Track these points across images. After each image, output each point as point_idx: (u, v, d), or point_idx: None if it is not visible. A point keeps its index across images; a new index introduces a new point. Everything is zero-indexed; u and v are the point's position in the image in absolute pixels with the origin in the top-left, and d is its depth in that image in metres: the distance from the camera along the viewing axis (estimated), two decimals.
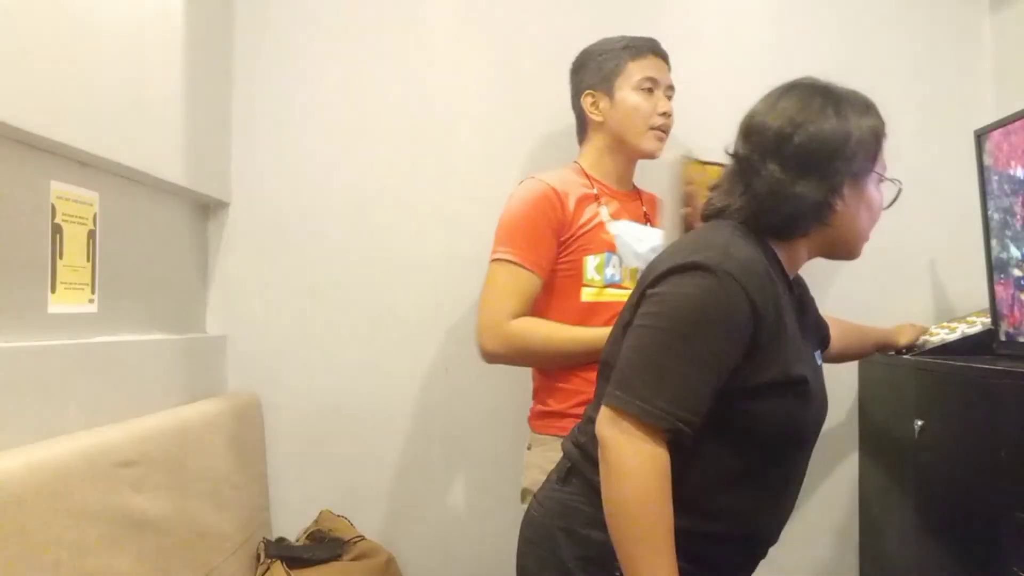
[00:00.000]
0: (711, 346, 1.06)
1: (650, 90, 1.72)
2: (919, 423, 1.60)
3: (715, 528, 1.14)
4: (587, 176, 1.75)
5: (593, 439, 1.11)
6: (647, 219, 1.78)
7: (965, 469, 1.49)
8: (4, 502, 1.02)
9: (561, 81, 1.83)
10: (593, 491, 1.12)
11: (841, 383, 2.03)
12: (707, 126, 2.04)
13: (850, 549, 2.04)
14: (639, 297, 1.14)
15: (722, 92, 2.08)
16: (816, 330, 1.38)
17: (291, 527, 2.01)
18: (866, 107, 1.23)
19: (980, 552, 1.42)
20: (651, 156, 1.75)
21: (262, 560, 1.79)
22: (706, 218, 1.25)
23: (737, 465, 1.14)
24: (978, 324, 1.74)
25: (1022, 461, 1.28)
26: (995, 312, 1.59)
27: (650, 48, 1.74)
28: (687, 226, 1.70)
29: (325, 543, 1.90)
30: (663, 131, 1.74)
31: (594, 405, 1.21)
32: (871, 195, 1.21)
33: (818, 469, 2.05)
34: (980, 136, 1.61)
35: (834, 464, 2.05)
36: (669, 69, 1.77)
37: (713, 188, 1.25)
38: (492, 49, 2.08)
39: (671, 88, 1.76)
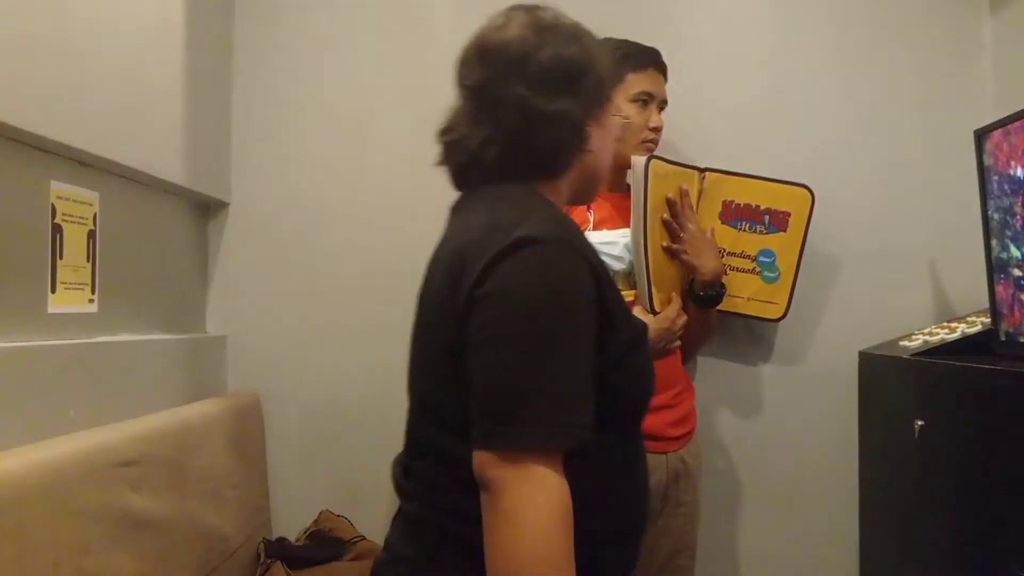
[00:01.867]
0: (577, 329, 0.89)
1: (644, 103, 1.72)
2: (919, 423, 1.60)
3: (614, 525, 0.99)
4: None
5: (467, 495, 0.89)
6: None
7: (965, 469, 1.49)
8: (4, 502, 1.01)
9: None
10: (480, 562, 0.87)
11: (841, 383, 2.03)
12: (706, 128, 2.05)
13: (850, 549, 2.04)
14: (465, 306, 0.90)
15: (722, 94, 2.09)
16: None
17: (291, 527, 2.01)
18: (598, 38, 1.11)
19: (980, 552, 1.42)
20: None
21: (262, 560, 1.79)
22: (457, 177, 1.11)
23: (618, 447, 0.98)
24: (978, 324, 1.74)
25: (1022, 461, 1.28)
26: (995, 312, 1.59)
27: (651, 60, 1.74)
28: (672, 233, 1.72)
29: (325, 543, 1.90)
30: (652, 144, 1.75)
31: (417, 452, 1.02)
32: (611, 127, 1.10)
33: (818, 469, 2.05)
34: (980, 136, 1.61)
35: (834, 464, 2.05)
36: (666, 81, 1.78)
37: (444, 132, 1.09)
38: None
39: (665, 101, 1.77)
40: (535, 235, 0.90)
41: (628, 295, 1.72)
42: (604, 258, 1.67)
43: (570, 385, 0.88)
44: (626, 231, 1.71)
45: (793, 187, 1.85)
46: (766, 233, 1.85)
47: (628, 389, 0.98)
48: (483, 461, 0.87)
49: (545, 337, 0.88)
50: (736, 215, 1.84)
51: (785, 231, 1.85)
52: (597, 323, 0.91)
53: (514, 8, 1.06)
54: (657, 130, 1.73)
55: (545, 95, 0.99)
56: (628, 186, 1.80)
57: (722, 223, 1.84)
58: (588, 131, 1.03)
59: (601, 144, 1.07)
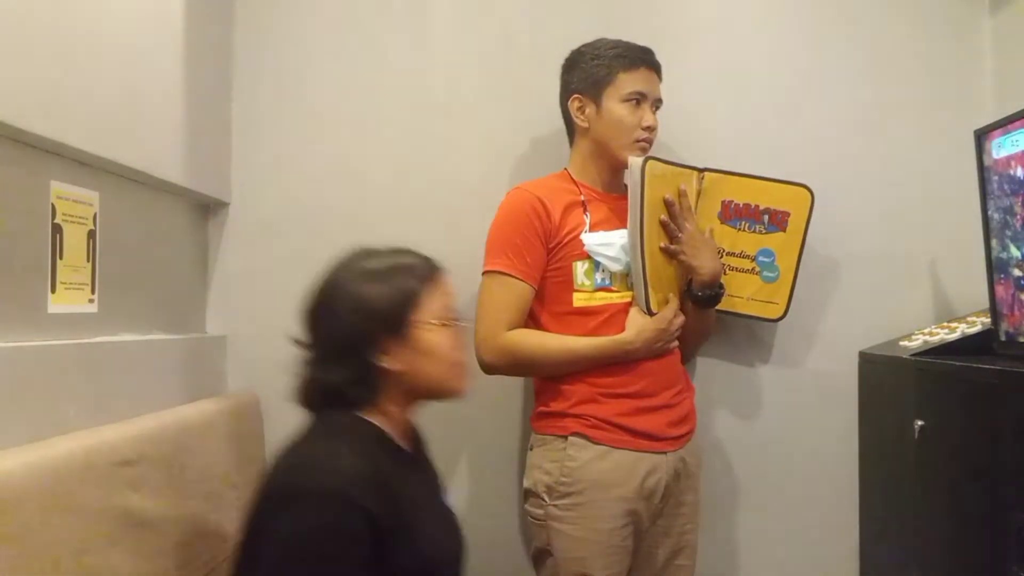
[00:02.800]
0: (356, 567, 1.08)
1: (637, 103, 1.72)
2: (919, 423, 1.61)
3: None
4: (574, 183, 1.77)
5: None
6: None
7: (965, 469, 1.49)
8: (4, 502, 1.01)
9: None
10: None
11: (841, 383, 2.03)
12: (704, 128, 2.05)
13: (850, 549, 2.04)
14: (251, 522, 1.14)
15: (720, 94, 2.09)
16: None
17: None
18: (395, 269, 1.28)
19: (980, 552, 1.42)
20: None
21: None
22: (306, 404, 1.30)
23: None
24: (978, 324, 1.74)
25: (1022, 461, 1.28)
26: (995, 312, 1.59)
27: (643, 60, 1.73)
28: (670, 233, 1.72)
29: None
30: (646, 143, 1.74)
31: None
32: (429, 343, 1.25)
33: (818, 469, 2.05)
34: (980, 136, 1.61)
35: (834, 464, 2.05)
36: (660, 80, 1.77)
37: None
38: (492, 49, 2.08)
39: (659, 101, 1.76)
40: (306, 490, 1.10)
41: (626, 296, 1.72)
42: (600, 259, 1.69)
43: None
44: (623, 232, 1.71)
45: (793, 187, 1.85)
46: (765, 233, 1.85)
47: None
48: None
49: None
50: (735, 215, 1.84)
51: (784, 231, 1.85)
52: (364, 566, 1.09)
53: (328, 267, 1.30)
54: (651, 129, 1.73)
55: (329, 358, 1.24)
56: (626, 187, 1.81)
57: (721, 223, 1.84)
58: (381, 368, 1.22)
59: (416, 359, 1.25)
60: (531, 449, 1.74)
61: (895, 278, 2.06)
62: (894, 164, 2.08)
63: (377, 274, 1.26)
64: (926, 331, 1.87)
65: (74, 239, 1.36)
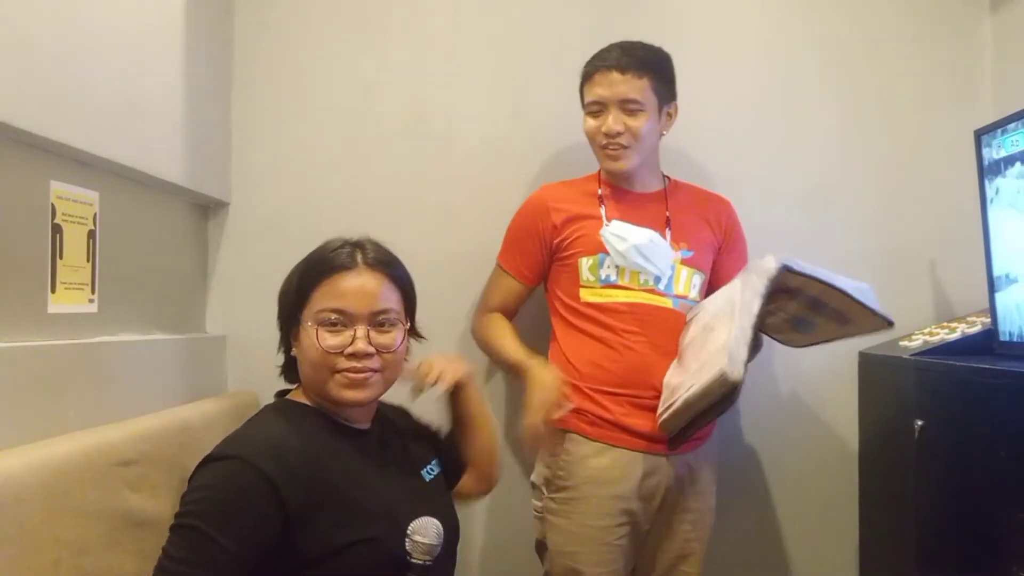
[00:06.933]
0: (232, 530, 1.10)
1: (597, 112, 1.72)
2: (919, 423, 1.60)
3: None
4: (599, 180, 1.80)
5: None
6: (667, 222, 1.76)
7: (965, 469, 1.49)
8: (4, 502, 1.01)
9: (561, 82, 1.84)
10: None
11: (841, 383, 2.03)
12: (705, 127, 2.05)
13: (850, 549, 2.04)
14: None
15: (722, 97, 2.09)
16: (428, 446, 1.45)
17: None
18: (309, 259, 1.32)
19: (980, 552, 1.43)
20: (617, 173, 1.76)
21: None
22: None
23: None
24: (978, 324, 1.74)
25: (1022, 461, 1.28)
26: (995, 312, 1.59)
27: (597, 66, 1.71)
28: (786, 328, 1.62)
29: None
30: (614, 148, 1.71)
31: None
32: (302, 342, 1.27)
33: (818, 468, 2.05)
34: (980, 136, 1.61)
35: (834, 464, 2.05)
36: (634, 76, 1.67)
37: None
38: (493, 49, 2.08)
39: (629, 101, 1.68)
40: (220, 454, 1.17)
41: (638, 295, 1.70)
42: (609, 247, 1.66)
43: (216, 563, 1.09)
44: (646, 232, 1.68)
45: (875, 316, 1.59)
46: (818, 314, 1.63)
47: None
48: None
49: (194, 530, 1.11)
50: (805, 301, 1.62)
51: (836, 324, 1.64)
52: (269, 528, 1.12)
53: None
54: (612, 134, 1.69)
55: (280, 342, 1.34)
56: (666, 182, 1.81)
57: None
58: (292, 351, 1.30)
59: (299, 355, 1.28)
60: None
61: (895, 278, 2.06)
62: (894, 164, 2.08)
63: (302, 262, 1.31)
64: (926, 331, 1.87)
65: (74, 239, 1.36)
